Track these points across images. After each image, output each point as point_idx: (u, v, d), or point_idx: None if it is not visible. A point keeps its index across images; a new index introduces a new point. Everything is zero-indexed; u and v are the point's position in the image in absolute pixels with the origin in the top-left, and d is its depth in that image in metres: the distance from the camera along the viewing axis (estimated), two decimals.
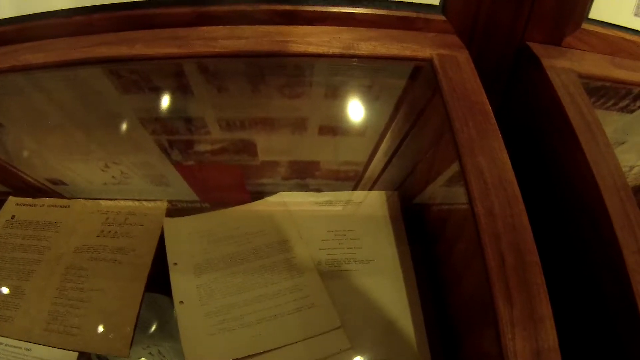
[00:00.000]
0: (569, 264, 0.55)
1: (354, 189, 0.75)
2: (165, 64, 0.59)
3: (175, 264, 0.57)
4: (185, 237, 0.59)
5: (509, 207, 0.45)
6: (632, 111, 0.67)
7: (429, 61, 0.54)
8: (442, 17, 0.57)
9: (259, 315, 0.53)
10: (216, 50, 0.53)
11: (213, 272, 0.56)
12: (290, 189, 0.75)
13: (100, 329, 0.54)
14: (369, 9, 0.57)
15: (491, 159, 0.47)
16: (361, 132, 0.74)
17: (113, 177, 0.76)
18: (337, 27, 0.56)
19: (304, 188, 0.77)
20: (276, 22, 0.56)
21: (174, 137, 0.73)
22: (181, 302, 0.54)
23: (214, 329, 0.52)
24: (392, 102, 0.67)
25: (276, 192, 0.70)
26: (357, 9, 0.57)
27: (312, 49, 0.53)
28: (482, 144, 0.48)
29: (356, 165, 0.78)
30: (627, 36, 0.61)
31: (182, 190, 0.78)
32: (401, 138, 0.70)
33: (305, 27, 0.55)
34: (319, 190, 0.73)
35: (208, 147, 0.74)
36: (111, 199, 0.66)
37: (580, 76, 0.57)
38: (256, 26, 0.55)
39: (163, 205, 0.64)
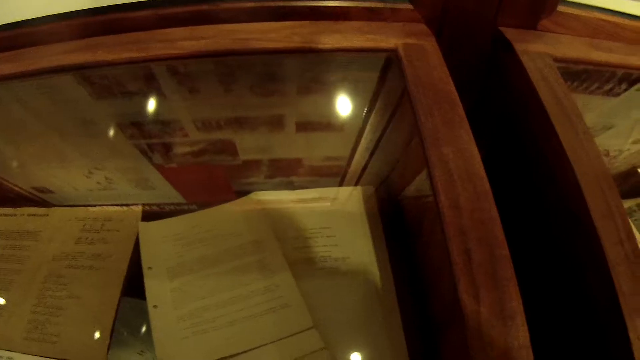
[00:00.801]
0: (550, 257, 0.53)
1: (340, 184, 0.74)
2: (135, 68, 0.59)
3: (150, 268, 0.57)
4: (160, 241, 0.59)
5: (476, 199, 0.43)
6: (618, 94, 0.65)
7: (394, 51, 0.53)
8: (410, 6, 0.56)
9: (231, 317, 0.52)
10: (176, 52, 0.52)
11: (187, 275, 0.56)
12: (275, 187, 0.75)
13: (77, 336, 0.54)
14: (334, 2, 0.56)
15: (457, 149, 0.46)
16: (341, 127, 0.73)
17: (98, 182, 0.76)
18: (301, 22, 0.55)
19: (289, 186, 0.77)
20: (239, 20, 0.56)
21: (153, 141, 0.72)
22: (155, 307, 0.54)
23: (187, 332, 0.52)
24: (368, 95, 0.66)
25: (261, 191, 0.69)
26: (321, 2, 0.56)
27: (271, 45, 0.52)
28: (447, 134, 0.46)
29: (339, 160, 0.77)
30: (606, 17, 0.59)
31: (169, 193, 0.78)
32: (381, 131, 0.69)
33: (267, 24, 0.55)
34: (304, 187, 0.73)
35: (188, 149, 0.73)
36: (90, 205, 0.66)
37: (556, 60, 0.56)
38: (217, 25, 0.55)
39: (138, 210, 0.64)
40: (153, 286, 0.55)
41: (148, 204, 0.72)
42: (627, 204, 0.63)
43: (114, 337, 0.55)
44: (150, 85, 0.64)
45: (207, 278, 0.55)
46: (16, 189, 0.73)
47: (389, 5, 0.56)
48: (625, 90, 0.65)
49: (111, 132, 0.70)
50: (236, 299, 0.54)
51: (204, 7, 0.55)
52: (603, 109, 0.68)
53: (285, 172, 0.78)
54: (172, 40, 0.53)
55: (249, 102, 0.67)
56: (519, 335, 0.37)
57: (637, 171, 0.68)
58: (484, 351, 0.37)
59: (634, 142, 0.71)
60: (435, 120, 0.47)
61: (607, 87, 0.64)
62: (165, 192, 0.78)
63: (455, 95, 0.49)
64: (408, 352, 0.51)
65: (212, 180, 0.81)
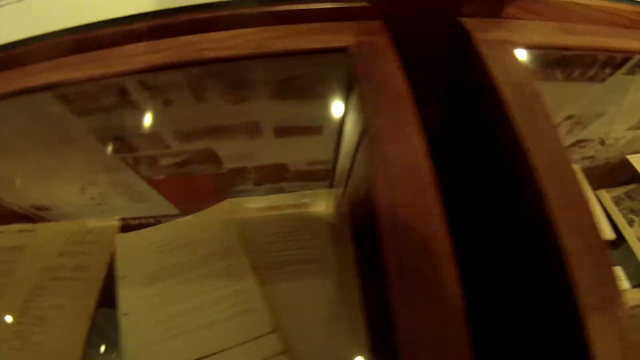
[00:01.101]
0: (515, 253, 0.51)
1: (330, 187, 0.74)
2: (109, 84, 0.61)
3: (124, 277, 0.58)
4: (136, 251, 0.61)
5: (420, 196, 0.42)
6: (603, 80, 0.61)
7: (347, 50, 0.52)
8: (366, 4, 0.55)
9: (198, 323, 0.53)
10: (135, 66, 0.54)
11: (159, 283, 0.57)
12: (266, 193, 0.76)
13: (56, 344, 0.56)
14: (291, 5, 0.56)
15: (402, 146, 0.44)
16: (319, 129, 0.72)
17: (92, 198, 0.79)
18: (258, 28, 0.55)
19: (279, 192, 0.77)
20: (198, 30, 0.56)
21: (140, 154, 0.74)
22: (125, 314, 0.55)
23: (156, 338, 0.53)
24: (343, 95, 0.66)
25: (234, 198, 0.70)
26: (278, 7, 0.56)
27: (225, 53, 0.52)
28: (393, 131, 0.45)
29: (325, 164, 0.76)
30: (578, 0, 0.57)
31: (161, 205, 0.80)
32: (360, 132, 0.68)
33: (224, 32, 0.55)
34: (293, 192, 0.73)
35: (172, 161, 0.75)
36: (76, 220, 0.69)
37: (521, 46, 0.53)
38: (177, 38, 0.56)
39: (116, 222, 0.66)
40: (125, 295, 0.56)
41: (144, 217, 0.74)
42: (616, 192, 0.60)
43: (110, 348, 0.57)
44: (128, 100, 0.66)
45: (178, 285, 0.56)
46: (8, 206, 0.77)
47: (345, 4, 0.56)
48: (611, 75, 0.61)
49: (97, 148, 0.72)
50: (204, 304, 0.54)
51: (163, 20, 0.56)
52: (590, 96, 0.65)
53: (273, 178, 0.79)
54: (133, 56, 0.54)
55: (223, 110, 0.67)
56: (461, 351, 0.35)
57: (627, 159, 0.64)
58: None
59: (628, 129, 0.67)
60: (382, 118, 0.46)
61: (590, 72, 0.61)
62: (157, 204, 0.80)
63: (405, 91, 0.48)
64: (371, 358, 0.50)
65: (202, 190, 0.82)
